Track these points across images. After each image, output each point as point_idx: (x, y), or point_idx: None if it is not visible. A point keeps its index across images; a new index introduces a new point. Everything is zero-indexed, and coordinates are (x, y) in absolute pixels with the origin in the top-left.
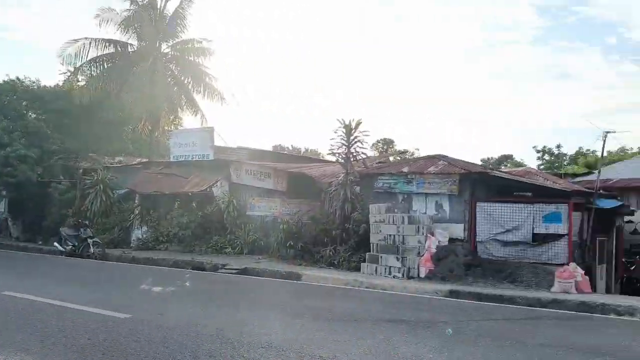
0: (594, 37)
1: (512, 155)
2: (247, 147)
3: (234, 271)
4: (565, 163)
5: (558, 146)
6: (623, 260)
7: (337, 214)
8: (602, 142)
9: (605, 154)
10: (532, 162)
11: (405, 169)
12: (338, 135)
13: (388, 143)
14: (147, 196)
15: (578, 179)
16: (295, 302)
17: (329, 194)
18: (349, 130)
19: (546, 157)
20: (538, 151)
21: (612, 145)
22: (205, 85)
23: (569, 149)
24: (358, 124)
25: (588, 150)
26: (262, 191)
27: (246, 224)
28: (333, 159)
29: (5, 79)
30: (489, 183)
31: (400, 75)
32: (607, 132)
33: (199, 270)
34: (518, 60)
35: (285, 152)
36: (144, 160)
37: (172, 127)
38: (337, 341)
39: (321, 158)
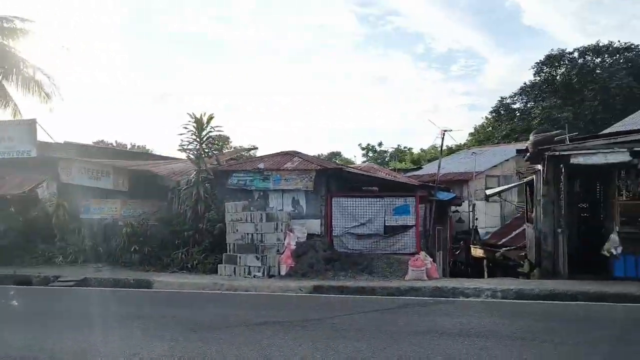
0: (405, 45)
1: (340, 152)
2: (75, 142)
3: (70, 283)
4: (386, 159)
5: (380, 144)
6: (451, 245)
7: (188, 214)
8: (440, 139)
9: (426, 148)
10: (358, 158)
11: (262, 166)
12: (188, 131)
13: (224, 140)
14: None
15: (408, 173)
16: (154, 313)
17: (178, 192)
18: (200, 125)
19: (370, 154)
20: (363, 148)
21: (428, 143)
22: (19, 72)
23: (388, 146)
24: (210, 118)
25: (406, 147)
26: (100, 192)
27: (80, 229)
28: (183, 155)
29: None
30: (341, 178)
31: (233, 74)
32: (445, 131)
33: (26, 286)
34: (341, 64)
35: (121, 149)
36: None
37: None
38: (218, 351)
39: (151, 154)
